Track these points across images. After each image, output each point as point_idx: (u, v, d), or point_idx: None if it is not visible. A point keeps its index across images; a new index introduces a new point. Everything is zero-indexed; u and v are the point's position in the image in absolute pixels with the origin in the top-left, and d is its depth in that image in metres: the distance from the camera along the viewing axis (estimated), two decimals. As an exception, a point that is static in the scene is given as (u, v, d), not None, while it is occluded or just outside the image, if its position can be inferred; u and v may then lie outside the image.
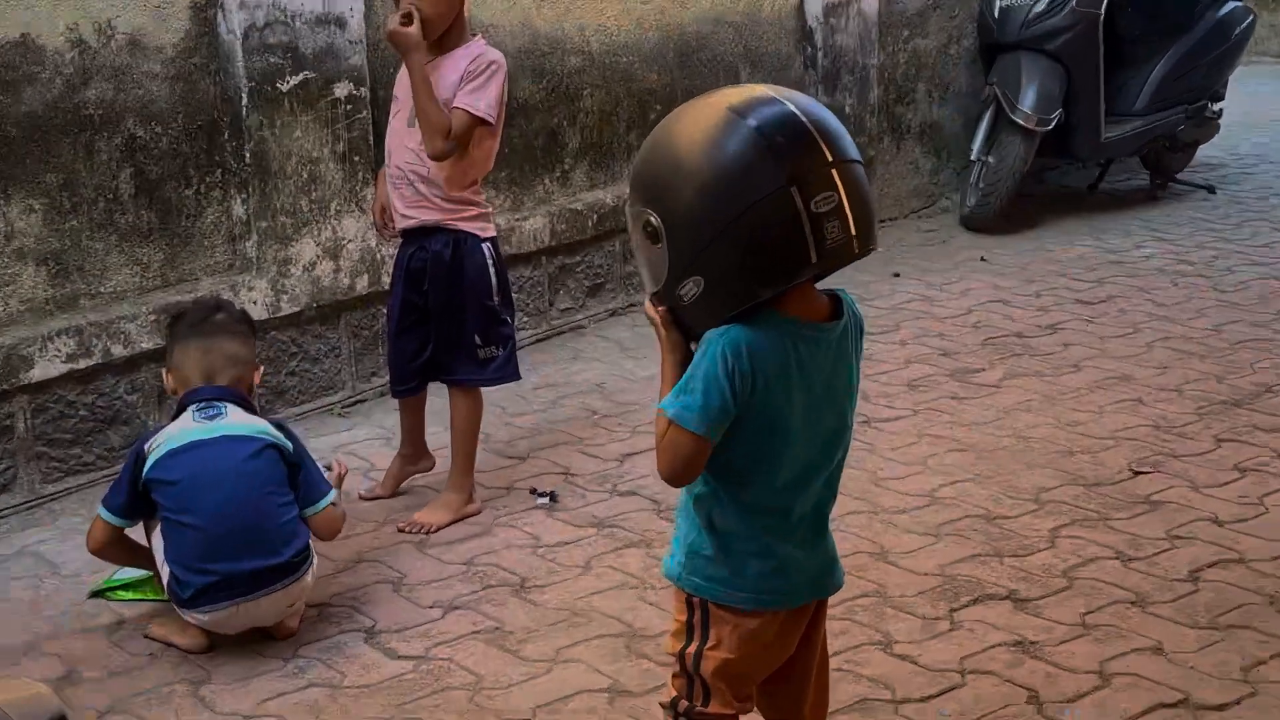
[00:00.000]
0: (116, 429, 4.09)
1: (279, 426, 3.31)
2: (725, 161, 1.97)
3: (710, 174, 1.97)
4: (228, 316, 3.43)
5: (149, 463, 3.17)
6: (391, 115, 3.81)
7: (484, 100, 3.59)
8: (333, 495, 3.32)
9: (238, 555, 3.09)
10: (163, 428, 3.26)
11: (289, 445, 3.26)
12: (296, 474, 3.26)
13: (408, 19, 3.52)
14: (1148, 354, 5.01)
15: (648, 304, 2.16)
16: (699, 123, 2.03)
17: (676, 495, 2.27)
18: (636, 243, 2.12)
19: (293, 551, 3.16)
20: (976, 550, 3.56)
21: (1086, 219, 6.97)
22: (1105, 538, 3.61)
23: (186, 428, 3.20)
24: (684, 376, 2.07)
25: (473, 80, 3.60)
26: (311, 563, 3.23)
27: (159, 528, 3.19)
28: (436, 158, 3.59)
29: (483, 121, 3.61)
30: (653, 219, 2.04)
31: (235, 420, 3.23)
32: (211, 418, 3.22)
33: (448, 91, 3.60)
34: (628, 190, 2.16)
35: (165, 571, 3.15)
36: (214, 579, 3.08)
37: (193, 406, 3.23)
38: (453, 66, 3.63)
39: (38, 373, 3.88)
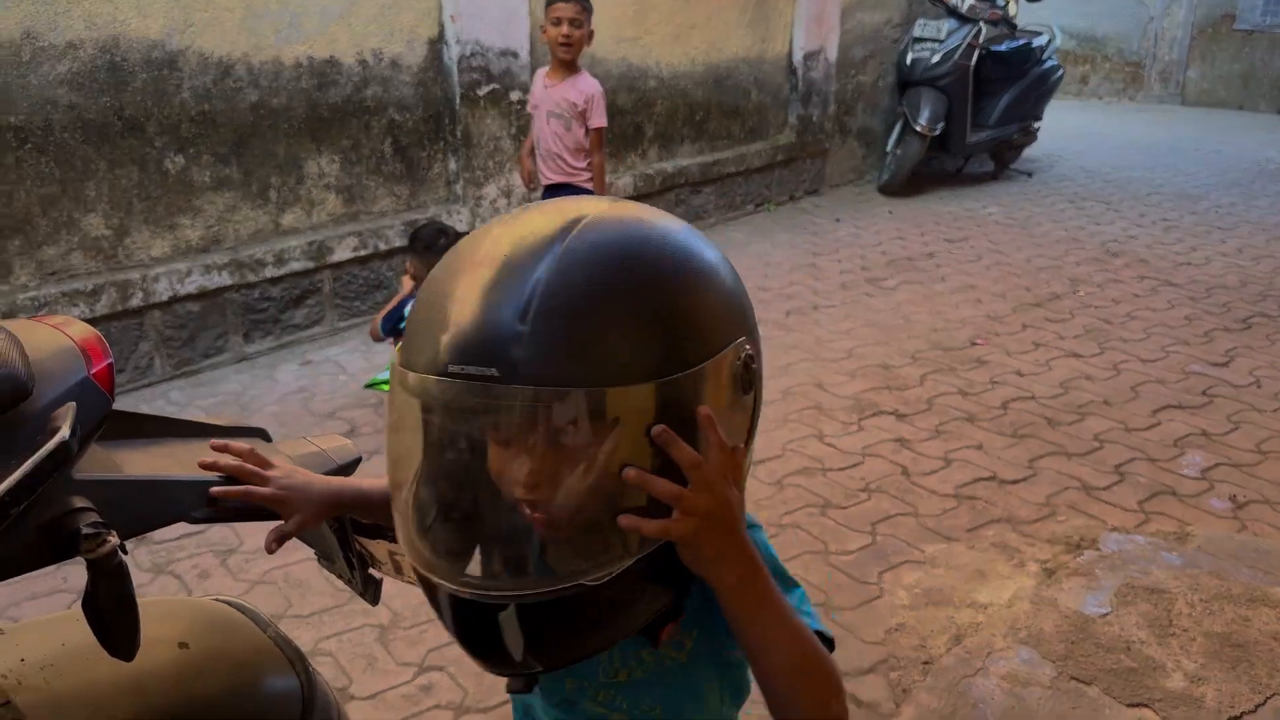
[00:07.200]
0: (380, 291, 4.10)
1: None
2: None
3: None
4: (447, 240, 3.27)
5: None
6: (533, 113, 3.64)
7: (604, 117, 3.56)
8: None
9: None
10: (411, 303, 3.19)
11: None
12: None
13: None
14: (985, 272, 4.92)
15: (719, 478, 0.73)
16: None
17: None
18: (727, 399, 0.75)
19: None
20: (876, 385, 3.55)
21: (954, 190, 6.76)
22: (953, 380, 3.59)
23: None
24: (769, 572, 0.76)
25: (597, 107, 3.53)
26: None
27: None
28: (597, 159, 3.58)
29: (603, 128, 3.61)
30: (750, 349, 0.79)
31: None
32: None
33: (566, 107, 3.50)
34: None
35: None
36: None
37: None
38: (571, 87, 3.52)
39: (336, 256, 3.90)
